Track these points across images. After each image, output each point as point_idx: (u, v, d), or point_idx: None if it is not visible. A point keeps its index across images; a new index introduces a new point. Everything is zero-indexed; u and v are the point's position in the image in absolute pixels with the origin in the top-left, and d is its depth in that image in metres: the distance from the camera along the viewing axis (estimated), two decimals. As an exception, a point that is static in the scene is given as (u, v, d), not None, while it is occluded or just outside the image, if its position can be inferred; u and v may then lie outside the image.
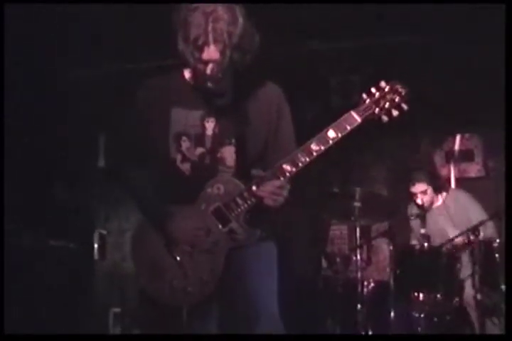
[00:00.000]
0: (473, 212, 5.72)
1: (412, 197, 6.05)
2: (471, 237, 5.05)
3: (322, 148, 2.88)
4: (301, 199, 6.24)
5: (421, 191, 5.97)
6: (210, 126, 3.05)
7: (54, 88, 6.68)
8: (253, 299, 2.96)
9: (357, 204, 5.42)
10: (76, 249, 6.51)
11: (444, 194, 6.03)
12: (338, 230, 7.09)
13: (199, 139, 3.05)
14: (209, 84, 2.97)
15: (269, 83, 3.17)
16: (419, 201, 6.02)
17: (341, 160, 6.92)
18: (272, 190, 2.90)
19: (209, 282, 2.98)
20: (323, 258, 6.56)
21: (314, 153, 2.89)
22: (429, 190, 5.97)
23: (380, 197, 5.62)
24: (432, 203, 6.03)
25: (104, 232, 7.17)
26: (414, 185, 5.98)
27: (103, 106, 6.54)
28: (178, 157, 3.05)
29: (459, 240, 5.35)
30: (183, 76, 3.13)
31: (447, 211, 5.86)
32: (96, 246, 7.06)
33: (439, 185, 6.08)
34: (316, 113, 6.72)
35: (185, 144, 3.04)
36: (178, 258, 3.00)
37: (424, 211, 6.02)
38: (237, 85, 3.09)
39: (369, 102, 2.90)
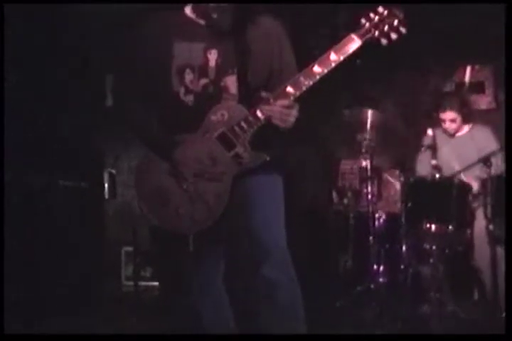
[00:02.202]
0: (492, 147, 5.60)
1: (439, 123, 5.86)
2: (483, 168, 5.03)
3: (325, 70, 2.90)
4: (310, 132, 6.27)
5: (450, 119, 5.79)
6: (212, 57, 3.06)
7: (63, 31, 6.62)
8: (259, 231, 2.96)
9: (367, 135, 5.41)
10: (86, 189, 6.54)
11: (471, 124, 5.91)
12: (348, 165, 7.04)
13: (203, 71, 3.05)
14: (213, 16, 3.00)
15: (268, 14, 3.19)
16: (445, 127, 5.84)
17: (351, 93, 6.84)
18: (281, 110, 2.90)
19: (215, 209, 2.98)
20: (334, 192, 6.55)
21: (317, 76, 2.90)
22: (459, 119, 5.79)
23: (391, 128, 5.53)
24: (456, 132, 5.88)
25: (114, 172, 7.17)
26: (444, 111, 5.78)
27: (111, 47, 6.50)
28: (181, 90, 3.06)
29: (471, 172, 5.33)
30: (184, 11, 3.13)
31: (470, 140, 5.76)
32: (106, 185, 7.05)
33: (468, 115, 5.89)
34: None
35: (188, 77, 3.05)
36: (184, 186, 3.00)
37: (450, 137, 5.87)
38: (236, 16, 3.08)
39: (368, 26, 2.91)
